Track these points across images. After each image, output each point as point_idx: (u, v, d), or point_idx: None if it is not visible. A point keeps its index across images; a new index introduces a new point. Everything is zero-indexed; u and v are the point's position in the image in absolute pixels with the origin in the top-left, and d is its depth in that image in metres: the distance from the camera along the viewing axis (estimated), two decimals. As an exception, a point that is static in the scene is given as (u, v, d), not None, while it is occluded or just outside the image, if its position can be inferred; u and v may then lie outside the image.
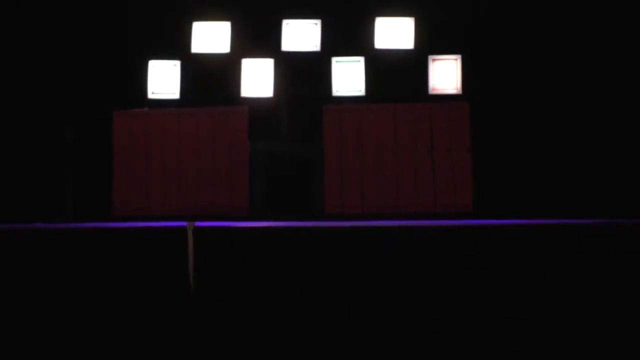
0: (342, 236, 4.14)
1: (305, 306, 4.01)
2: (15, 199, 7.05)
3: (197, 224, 4.13)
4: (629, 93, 7.16)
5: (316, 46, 7.48)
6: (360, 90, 7.42)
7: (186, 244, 4.06)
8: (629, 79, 7.18)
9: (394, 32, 7.44)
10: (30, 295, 4.05)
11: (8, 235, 4.14)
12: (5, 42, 7.44)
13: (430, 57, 7.43)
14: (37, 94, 7.42)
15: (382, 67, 7.43)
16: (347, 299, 4.01)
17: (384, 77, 7.43)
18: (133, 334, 4.00)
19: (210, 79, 7.51)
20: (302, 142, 7.43)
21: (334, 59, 7.45)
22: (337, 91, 7.43)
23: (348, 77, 7.44)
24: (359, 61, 7.44)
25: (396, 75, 7.43)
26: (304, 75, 7.55)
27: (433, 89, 7.41)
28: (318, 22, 7.48)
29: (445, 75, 7.40)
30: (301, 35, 7.48)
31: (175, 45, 7.51)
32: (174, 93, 7.49)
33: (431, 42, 7.45)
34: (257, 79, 7.45)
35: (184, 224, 4.12)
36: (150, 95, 7.46)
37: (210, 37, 7.49)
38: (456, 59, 7.40)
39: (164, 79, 7.49)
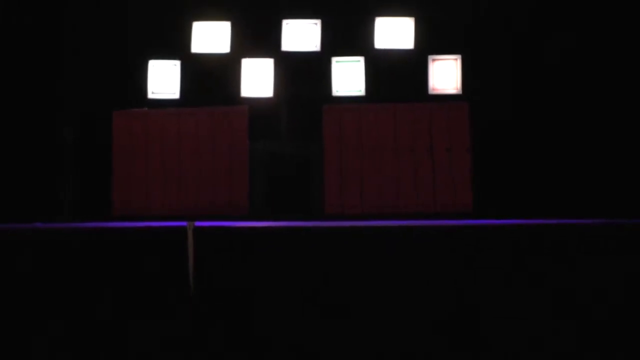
0: (342, 236, 4.14)
1: (305, 306, 4.01)
2: (15, 199, 7.04)
3: (197, 223, 4.13)
4: (629, 93, 7.16)
5: (316, 46, 7.48)
6: (360, 90, 7.41)
7: (186, 244, 4.06)
8: (629, 79, 7.17)
9: (394, 32, 7.44)
10: (30, 295, 4.05)
11: (8, 235, 4.14)
12: (5, 42, 7.44)
13: (430, 57, 7.43)
14: (37, 94, 7.42)
15: (382, 67, 7.43)
16: (347, 299, 4.02)
17: (384, 77, 7.43)
18: (133, 333, 4.00)
19: (210, 78, 7.51)
20: (302, 142, 7.43)
21: (334, 59, 7.45)
22: (337, 91, 7.43)
23: (348, 77, 7.44)
24: (359, 61, 7.44)
25: (396, 75, 7.43)
26: (303, 75, 7.54)
27: (433, 89, 7.41)
28: (318, 22, 7.48)
29: (445, 75, 7.40)
30: (301, 35, 7.48)
31: (175, 45, 7.51)
32: (174, 93, 7.49)
33: (431, 42, 7.45)
34: (257, 78, 7.45)
35: (184, 224, 4.12)
36: (150, 95, 7.46)
37: (210, 37, 7.49)
38: (456, 59, 7.40)
39: (163, 79, 7.49)
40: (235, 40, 7.50)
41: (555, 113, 7.24)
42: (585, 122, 7.15)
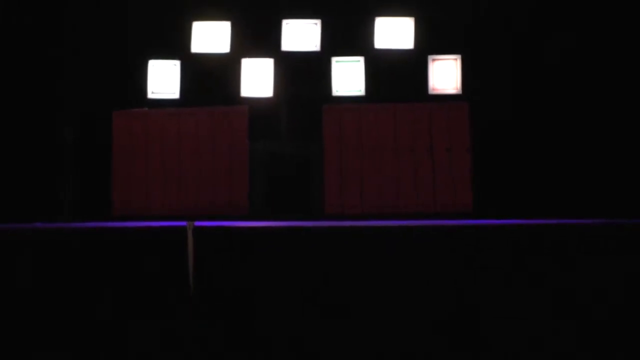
0: (342, 236, 4.14)
1: (305, 306, 4.01)
2: (15, 199, 7.04)
3: (197, 223, 4.13)
4: (629, 93, 7.16)
5: (316, 46, 7.48)
6: (360, 90, 7.41)
7: (186, 243, 4.06)
8: (629, 79, 7.17)
9: (394, 32, 7.44)
10: (30, 294, 4.05)
11: (8, 235, 4.14)
12: (5, 42, 7.44)
13: (430, 57, 7.43)
14: (37, 94, 7.42)
15: (382, 67, 7.43)
16: (347, 298, 4.01)
17: (384, 77, 7.43)
18: (133, 333, 4.00)
19: (210, 78, 7.51)
20: (302, 142, 7.43)
21: (334, 59, 7.45)
22: (337, 91, 7.43)
23: (348, 77, 7.44)
24: (359, 61, 7.44)
25: (396, 75, 7.43)
26: (303, 75, 7.54)
27: (433, 89, 7.41)
28: (318, 22, 7.48)
29: (445, 75, 7.40)
30: (301, 35, 7.48)
31: (175, 45, 7.51)
32: (174, 93, 7.49)
33: (431, 42, 7.45)
34: (257, 78, 7.45)
35: (184, 223, 4.12)
36: (150, 95, 7.46)
37: (210, 37, 7.49)
38: (456, 59, 7.40)
39: (163, 79, 7.49)
40: (235, 40, 7.50)
41: (555, 113, 7.24)
42: (585, 122, 7.15)
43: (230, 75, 7.45)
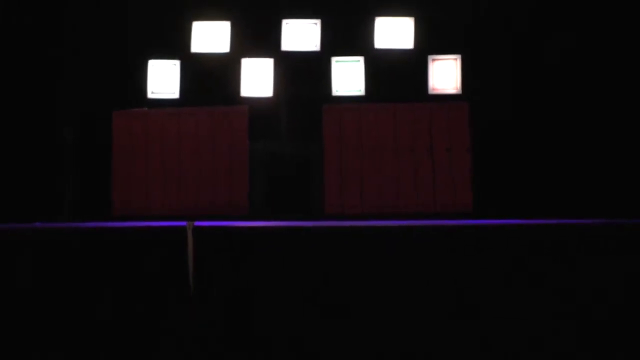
0: (342, 236, 4.14)
1: (305, 306, 4.01)
2: (15, 198, 7.04)
3: (197, 223, 4.13)
4: (629, 93, 7.16)
5: (316, 46, 7.48)
6: (360, 90, 7.42)
7: (186, 243, 4.06)
8: (629, 79, 7.17)
9: (394, 32, 7.44)
10: (30, 294, 4.05)
11: (8, 235, 4.14)
12: (5, 42, 7.44)
13: (430, 57, 7.43)
14: (37, 93, 7.42)
15: (381, 67, 7.43)
16: (347, 299, 4.01)
17: (384, 77, 7.43)
18: (133, 333, 4.00)
19: (210, 78, 7.51)
20: (302, 142, 7.43)
21: (334, 59, 7.45)
22: (336, 91, 7.43)
23: (348, 76, 7.44)
24: (359, 61, 7.45)
25: (396, 75, 7.43)
26: (303, 75, 7.54)
27: (433, 89, 7.41)
28: (318, 22, 7.48)
29: (445, 75, 7.40)
30: (301, 35, 7.48)
31: (175, 45, 7.51)
32: (174, 93, 7.49)
33: (431, 42, 7.45)
34: (257, 78, 7.45)
35: (184, 223, 4.12)
36: (149, 95, 7.46)
37: (210, 36, 7.49)
38: (456, 59, 7.40)
39: (163, 79, 7.49)
40: (235, 40, 7.50)
41: (555, 113, 7.24)
42: (585, 122, 7.15)
43: (230, 75, 7.45)
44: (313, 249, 4.05)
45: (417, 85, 7.39)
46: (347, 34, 7.53)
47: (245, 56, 7.48)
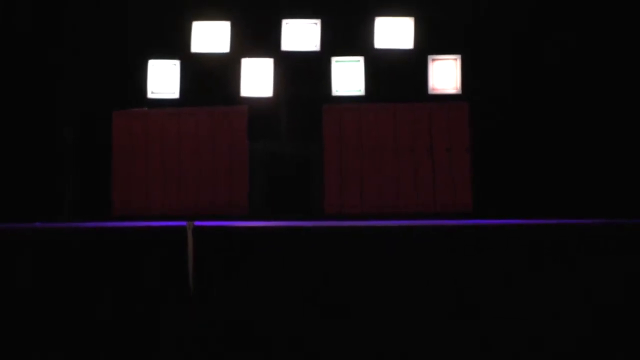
0: (342, 236, 4.14)
1: (305, 306, 4.00)
2: (15, 198, 7.04)
3: (197, 223, 4.13)
4: (629, 93, 7.16)
5: (316, 46, 7.48)
6: (360, 90, 7.41)
7: (186, 243, 4.06)
8: (629, 79, 7.17)
9: (394, 32, 7.44)
10: (30, 294, 4.05)
11: (8, 235, 4.14)
12: (5, 42, 7.44)
13: (430, 57, 7.43)
14: (37, 93, 7.42)
15: (381, 67, 7.43)
16: (347, 299, 4.01)
17: (384, 77, 7.43)
18: (133, 333, 4.00)
19: (210, 78, 7.51)
20: (301, 142, 7.43)
21: (334, 59, 7.45)
22: (336, 91, 7.43)
23: (348, 76, 7.44)
24: (359, 61, 7.44)
25: (396, 75, 7.43)
26: (303, 75, 7.54)
27: (433, 89, 7.41)
28: (318, 22, 7.48)
29: (444, 75, 7.40)
30: (301, 35, 7.48)
31: (175, 45, 7.51)
32: (174, 93, 7.49)
33: (431, 42, 7.45)
34: (257, 78, 7.45)
35: (184, 223, 4.12)
36: (149, 95, 7.46)
37: (210, 36, 7.49)
38: (456, 59, 7.40)
39: (163, 79, 7.49)
40: (235, 40, 7.50)
41: (555, 113, 7.24)
42: (585, 122, 7.15)
43: (230, 75, 7.45)
44: (313, 249, 4.05)
45: (417, 85, 7.38)
46: (347, 34, 7.53)
47: (245, 56, 7.48)
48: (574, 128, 7.17)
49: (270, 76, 7.44)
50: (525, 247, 4.05)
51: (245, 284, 4.04)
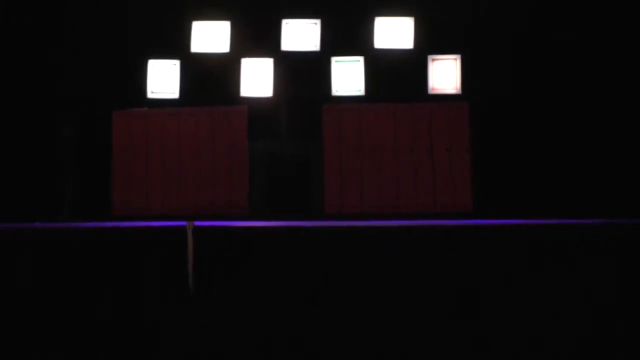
0: (342, 236, 4.14)
1: (305, 306, 4.01)
2: (15, 198, 7.04)
3: (197, 223, 4.13)
4: (629, 93, 7.16)
5: (316, 46, 7.48)
6: (360, 90, 7.41)
7: (186, 243, 4.06)
8: (629, 79, 7.17)
9: (394, 32, 7.44)
10: (30, 294, 4.05)
11: (8, 235, 4.14)
12: (5, 42, 7.44)
13: (430, 57, 7.43)
14: (38, 93, 7.42)
15: (381, 67, 7.43)
16: (346, 298, 4.01)
17: (384, 77, 7.43)
18: (133, 333, 4.00)
19: (209, 78, 7.51)
20: (301, 142, 7.43)
21: (334, 59, 7.45)
22: (336, 91, 7.43)
23: (348, 76, 7.44)
24: (359, 61, 7.44)
25: (396, 75, 7.43)
26: (303, 75, 7.54)
27: (433, 89, 7.41)
28: (318, 21, 7.48)
29: (444, 75, 7.40)
30: (301, 35, 7.48)
31: (174, 44, 7.51)
32: (174, 93, 7.49)
33: (431, 42, 7.45)
34: (257, 78, 7.45)
35: (184, 223, 4.12)
36: (149, 95, 7.46)
37: (210, 36, 7.49)
38: (456, 59, 7.40)
39: (163, 79, 7.49)
40: (235, 40, 7.50)
41: (555, 113, 7.24)
42: (585, 122, 7.15)
43: (230, 75, 7.45)
44: (313, 249, 4.05)
45: (417, 85, 7.38)
46: (347, 34, 7.53)
47: (245, 56, 7.47)
48: (574, 128, 7.17)
49: (270, 76, 7.44)
50: (525, 247, 4.05)
51: (245, 284, 4.05)
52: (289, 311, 3.99)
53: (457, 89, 7.37)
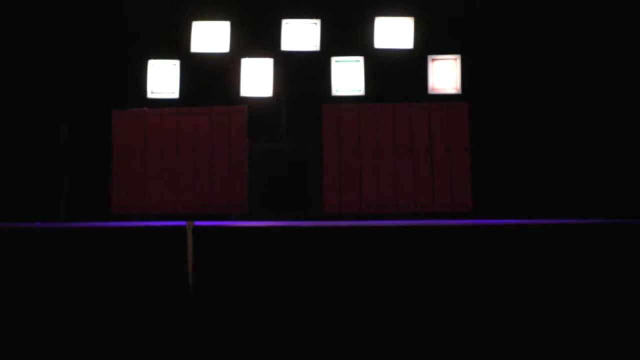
0: (341, 236, 4.14)
1: (305, 306, 4.00)
2: (14, 198, 7.04)
3: (197, 223, 4.12)
4: (628, 93, 7.16)
5: (316, 46, 7.48)
6: (360, 90, 7.42)
7: (185, 243, 4.05)
8: (629, 79, 7.17)
9: (394, 32, 7.45)
10: (29, 294, 4.05)
11: (8, 235, 4.14)
12: (5, 42, 7.44)
13: (430, 57, 7.43)
14: (37, 93, 7.42)
15: (381, 67, 7.43)
16: (346, 298, 4.01)
17: (384, 77, 7.44)
18: (132, 333, 3.99)
19: (209, 78, 7.51)
20: (301, 142, 7.43)
21: (334, 59, 7.45)
22: (336, 91, 7.44)
23: (347, 76, 7.44)
24: (359, 61, 7.44)
25: (396, 75, 7.43)
26: (303, 75, 7.54)
27: (432, 89, 7.41)
28: (317, 21, 7.48)
29: (444, 75, 7.40)
30: (301, 34, 7.48)
31: (174, 44, 7.51)
32: (174, 92, 7.49)
33: (431, 42, 7.45)
34: (257, 78, 7.45)
35: (184, 223, 4.11)
36: (149, 95, 7.46)
37: (210, 36, 7.49)
38: (455, 59, 7.40)
39: (163, 79, 7.49)
40: (235, 39, 7.50)
41: (555, 113, 7.24)
42: (585, 121, 7.15)
43: (230, 75, 7.46)
44: (312, 248, 4.05)
45: (416, 85, 7.39)
46: (347, 34, 7.53)
47: (245, 56, 7.48)
48: (573, 128, 7.17)
49: (270, 76, 7.45)
50: (524, 247, 4.05)
51: (245, 284, 4.04)
52: (289, 311, 3.99)
53: (456, 89, 7.37)
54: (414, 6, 7.47)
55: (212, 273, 4.05)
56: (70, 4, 7.55)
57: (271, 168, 7.36)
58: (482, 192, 6.93)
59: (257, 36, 7.53)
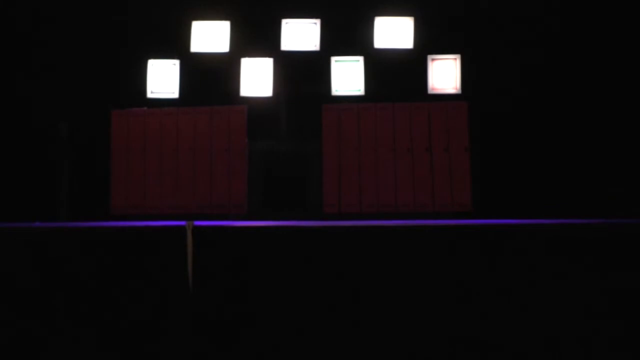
0: (341, 236, 4.14)
1: (305, 306, 4.00)
2: (14, 198, 7.04)
3: (197, 223, 4.12)
4: (628, 93, 7.16)
5: (315, 45, 7.48)
6: (360, 90, 7.42)
7: (185, 243, 4.05)
8: (629, 79, 7.17)
9: (394, 32, 7.45)
10: (28, 294, 4.05)
11: (6, 234, 4.14)
12: (5, 42, 7.44)
13: (430, 57, 7.43)
14: (37, 93, 7.42)
15: (381, 66, 7.44)
16: (346, 298, 4.01)
17: (383, 76, 7.44)
18: (132, 333, 3.99)
19: (209, 78, 7.51)
20: (301, 141, 7.44)
21: (333, 59, 7.45)
22: (336, 90, 7.44)
23: (347, 76, 7.44)
24: (358, 61, 7.45)
25: (395, 75, 7.44)
26: (303, 74, 7.55)
27: (432, 89, 7.41)
28: (317, 21, 7.48)
29: (444, 74, 7.40)
30: (300, 34, 7.48)
31: (174, 44, 7.52)
32: (173, 92, 7.49)
33: (431, 41, 7.45)
34: (257, 78, 7.46)
35: (183, 223, 4.11)
36: (149, 95, 7.47)
37: (210, 36, 7.50)
38: (455, 59, 7.40)
39: (163, 78, 7.49)
40: (235, 39, 7.51)
41: (555, 113, 7.24)
42: (584, 121, 7.16)
43: (230, 74, 7.46)
44: (312, 248, 4.05)
45: (416, 84, 7.39)
46: (346, 33, 7.53)
47: (245, 56, 7.48)
48: (573, 128, 7.17)
49: (269, 76, 7.45)
50: (524, 247, 4.05)
51: (244, 283, 4.04)
52: (289, 311, 3.99)
53: (456, 88, 7.37)
54: (413, 6, 7.48)
55: (211, 273, 4.05)
56: (71, 4, 7.55)
57: (271, 168, 7.36)
58: (482, 191, 6.93)
59: (257, 36, 7.54)
